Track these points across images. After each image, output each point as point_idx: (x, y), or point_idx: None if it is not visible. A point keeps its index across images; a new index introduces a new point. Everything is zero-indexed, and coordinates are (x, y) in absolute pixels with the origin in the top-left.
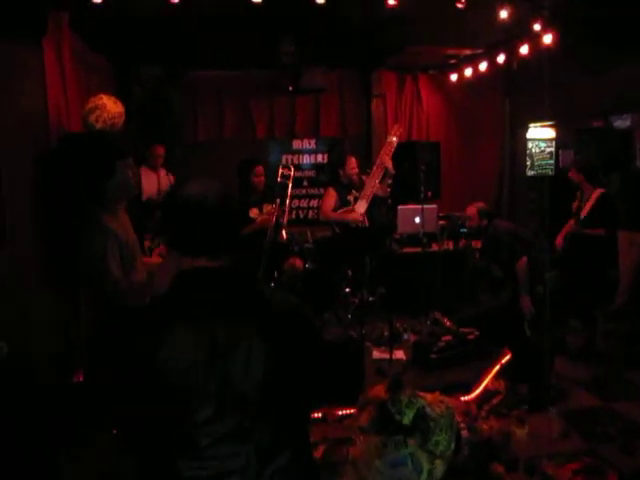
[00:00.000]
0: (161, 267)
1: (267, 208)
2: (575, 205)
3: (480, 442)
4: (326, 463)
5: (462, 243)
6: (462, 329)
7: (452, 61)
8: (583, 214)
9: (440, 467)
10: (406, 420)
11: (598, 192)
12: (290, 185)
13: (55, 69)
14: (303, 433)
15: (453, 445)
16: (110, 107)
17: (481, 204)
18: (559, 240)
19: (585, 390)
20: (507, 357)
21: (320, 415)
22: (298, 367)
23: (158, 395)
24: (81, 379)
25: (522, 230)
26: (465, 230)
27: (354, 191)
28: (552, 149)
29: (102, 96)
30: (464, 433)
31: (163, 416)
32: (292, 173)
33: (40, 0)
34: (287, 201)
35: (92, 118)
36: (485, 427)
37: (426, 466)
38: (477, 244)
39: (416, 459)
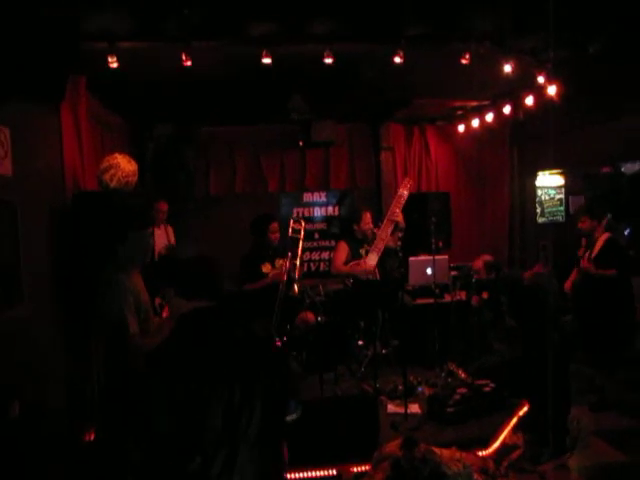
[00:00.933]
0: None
1: (279, 263)
2: (581, 252)
3: None
4: None
5: (475, 300)
6: (477, 381)
7: (459, 112)
8: (592, 256)
9: None
10: (421, 479)
11: (606, 235)
12: (301, 240)
13: (72, 130)
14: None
15: None
16: (124, 166)
17: (488, 257)
18: (568, 285)
19: (608, 443)
20: (524, 409)
21: (335, 473)
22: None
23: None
24: (92, 438)
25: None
26: (474, 281)
27: (366, 245)
28: (562, 196)
29: (116, 155)
30: None
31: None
32: (302, 227)
33: (59, 67)
34: (298, 256)
35: (107, 177)
36: None
37: None
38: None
39: None
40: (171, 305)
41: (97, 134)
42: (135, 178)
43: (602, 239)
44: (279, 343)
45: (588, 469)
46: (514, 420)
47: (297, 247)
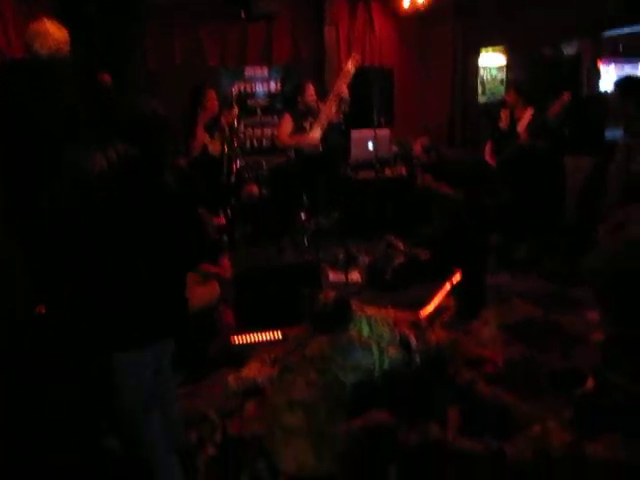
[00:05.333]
0: None
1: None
2: (504, 123)
3: (430, 350)
4: (285, 366)
5: (419, 178)
6: (415, 251)
7: None
8: (521, 129)
9: (396, 355)
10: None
11: (530, 110)
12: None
13: None
14: None
15: (397, 337)
16: (54, 32)
17: (424, 140)
18: (488, 157)
19: (528, 302)
20: (457, 276)
21: (280, 336)
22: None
23: None
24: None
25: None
26: (416, 162)
27: (310, 118)
28: (503, 76)
29: (45, 21)
30: (413, 341)
31: None
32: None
33: None
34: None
35: (37, 45)
36: (434, 337)
37: (374, 346)
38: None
39: (364, 342)
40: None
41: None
42: (67, 47)
43: (528, 113)
44: (223, 219)
45: (509, 325)
46: (447, 286)
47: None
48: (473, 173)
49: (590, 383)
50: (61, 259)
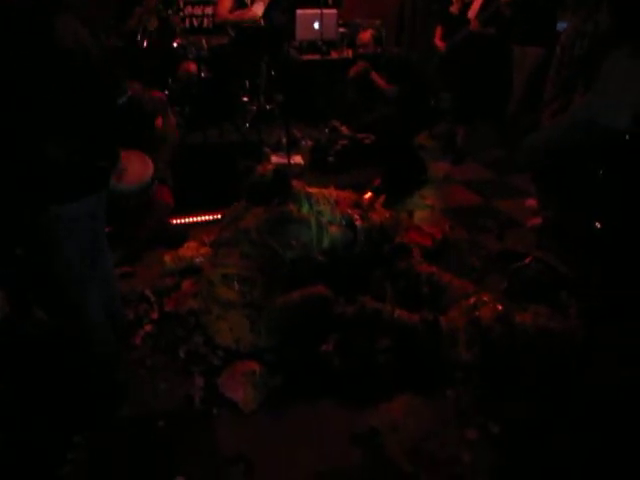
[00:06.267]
0: None
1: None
2: (455, 8)
3: (374, 228)
4: (220, 240)
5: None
6: (359, 135)
7: None
8: (472, 15)
9: (336, 233)
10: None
11: None
12: None
13: None
14: None
15: (339, 216)
16: None
17: (374, 31)
18: (437, 41)
19: (467, 189)
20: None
21: (220, 216)
22: None
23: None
24: None
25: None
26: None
27: None
28: None
29: None
30: (358, 222)
31: None
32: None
33: None
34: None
35: None
36: (376, 217)
37: (313, 221)
38: None
39: (302, 217)
40: None
41: None
42: None
43: None
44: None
45: (449, 209)
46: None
47: None
48: (412, 72)
49: (527, 261)
50: None
